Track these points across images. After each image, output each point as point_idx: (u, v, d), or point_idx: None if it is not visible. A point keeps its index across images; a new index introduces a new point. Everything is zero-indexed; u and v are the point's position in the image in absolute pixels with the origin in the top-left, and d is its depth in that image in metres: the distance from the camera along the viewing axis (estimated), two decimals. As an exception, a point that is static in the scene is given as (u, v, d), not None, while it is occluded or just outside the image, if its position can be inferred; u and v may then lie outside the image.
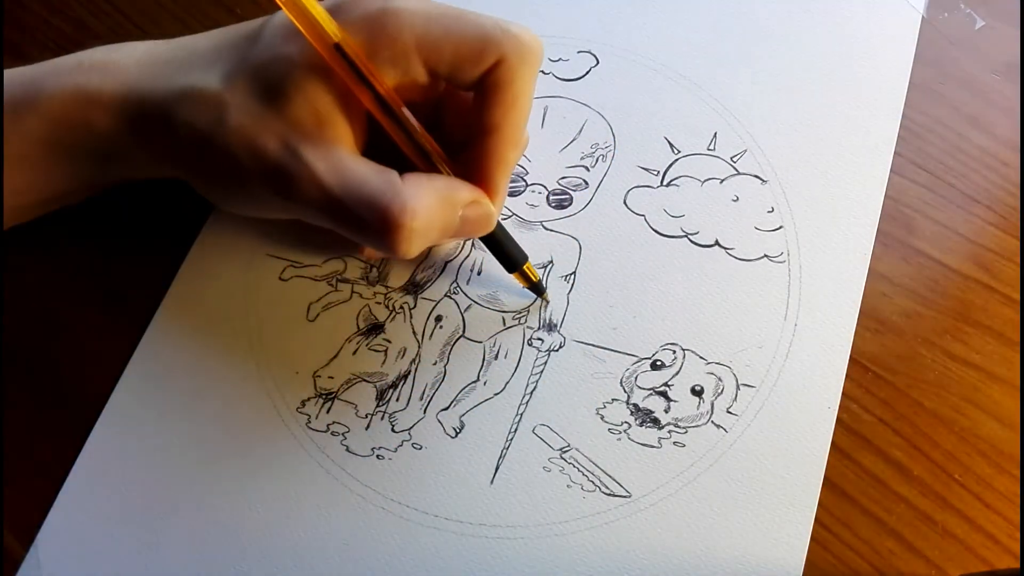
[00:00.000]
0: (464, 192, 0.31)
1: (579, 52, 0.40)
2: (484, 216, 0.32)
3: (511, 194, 0.38)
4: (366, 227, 0.29)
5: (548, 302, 0.35)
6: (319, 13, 0.28)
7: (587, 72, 0.40)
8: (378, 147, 0.32)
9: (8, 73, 0.32)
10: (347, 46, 0.28)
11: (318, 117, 0.29)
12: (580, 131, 0.39)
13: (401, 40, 0.29)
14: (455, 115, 0.33)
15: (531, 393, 0.34)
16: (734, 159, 0.38)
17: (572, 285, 0.36)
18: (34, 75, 0.32)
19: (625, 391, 0.34)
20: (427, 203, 0.29)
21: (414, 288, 0.36)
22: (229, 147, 0.30)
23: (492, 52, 0.29)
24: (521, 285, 0.35)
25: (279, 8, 0.28)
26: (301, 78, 0.29)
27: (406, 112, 0.30)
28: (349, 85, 0.29)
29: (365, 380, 0.35)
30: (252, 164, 0.30)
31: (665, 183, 0.38)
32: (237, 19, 0.38)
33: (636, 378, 0.34)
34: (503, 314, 0.36)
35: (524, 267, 0.34)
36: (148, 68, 0.32)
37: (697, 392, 0.34)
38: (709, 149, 0.38)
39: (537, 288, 0.35)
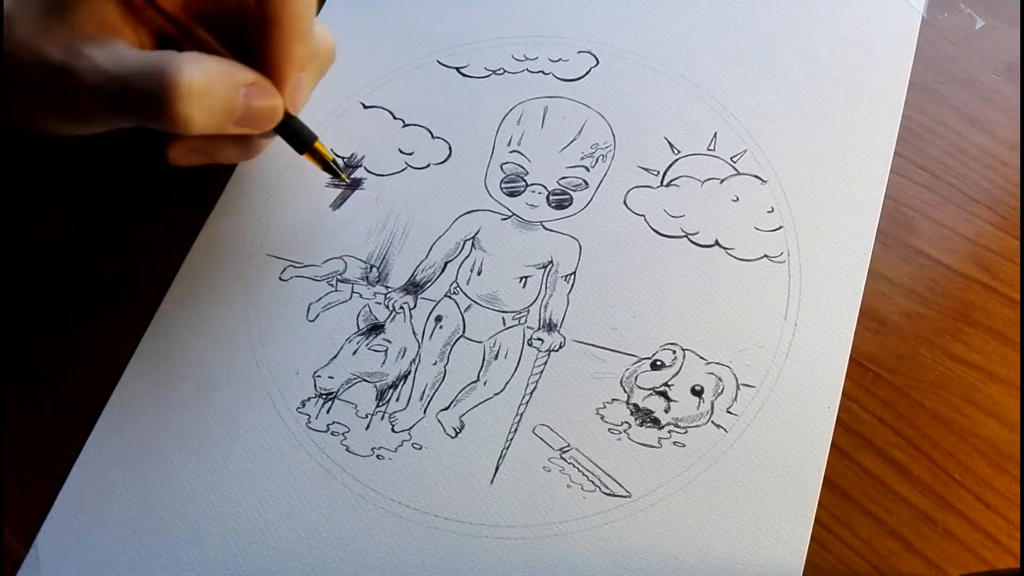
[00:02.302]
0: (244, 71, 0.31)
1: (579, 52, 0.41)
2: (269, 104, 0.32)
3: (511, 194, 0.38)
4: (146, 96, 0.29)
5: (347, 183, 0.37)
6: None
7: (587, 72, 0.40)
8: None
9: None
10: None
11: (102, 24, 0.30)
12: (580, 131, 0.39)
13: None
14: (252, 22, 0.34)
15: (531, 393, 0.34)
16: (734, 159, 0.38)
17: (572, 285, 0.36)
18: None
19: (625, 391, 0.34)
20: (203, 67, 0.29)
21: (414, 288, 0.36)
22: (19, 59, 0.30)
23: None
24: (316, 166, 0.35)
25: None
26: None
27: (186, 16, 0.31)
28: None
29: (365, 380, 0.35)
30: (38, 71, 0.30)
31: (665, 183, 0.38)
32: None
33: (636, 378, 0.34)
34: (503, 314, 0.36)
35: (315, 145, 0.34)
36: None
37: (697, 392, 0.34)
38: (709, 149, 0.38)
39: (331, 169, 0.35)
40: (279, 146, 0.39)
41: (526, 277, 0.36)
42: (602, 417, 0.34)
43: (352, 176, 0.38)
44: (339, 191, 0.38)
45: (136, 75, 0.29)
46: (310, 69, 0.34)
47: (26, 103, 0.32)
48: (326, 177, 0.39)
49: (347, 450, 0.34)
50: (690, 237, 0.37)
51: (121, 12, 0.31)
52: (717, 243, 0.36)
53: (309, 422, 0.34)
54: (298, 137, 0.34)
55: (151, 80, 0.29)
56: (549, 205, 0.38)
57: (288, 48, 0.32)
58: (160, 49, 0.32)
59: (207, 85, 0.29)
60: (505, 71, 0.40)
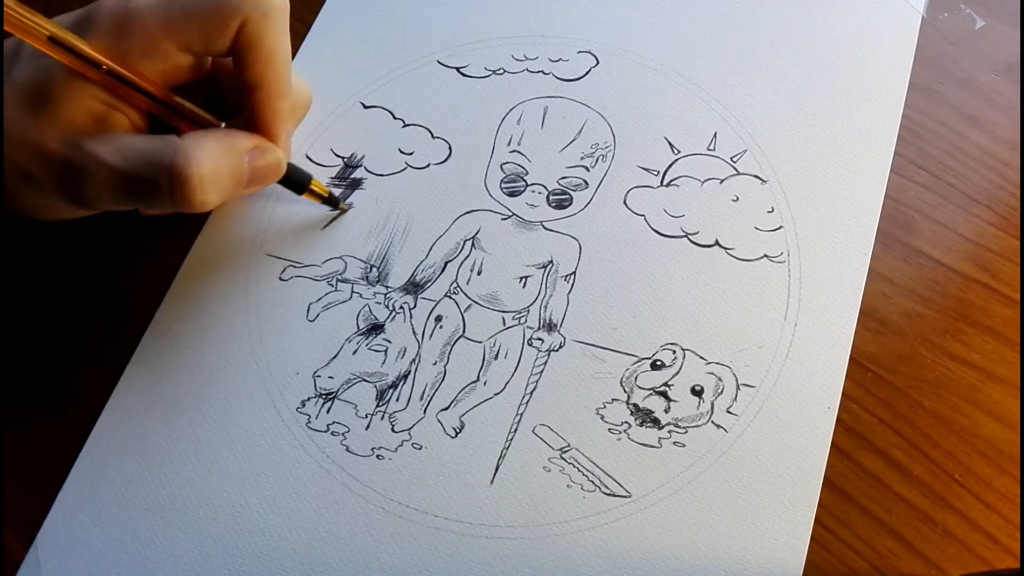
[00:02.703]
0: (244, 139, 0.32)
1: (579, 52, 0.41)
2: (272, 160, 0.33)
3: (511, 194, 0.38)
4: (157, 188, 0.30)
5: (346, 210, 0.38)
6: (32, 17, 0.29)
7: (587, 72, 0.40)
8: (166, 130, 0.33)
9: None
10: (79, 43, 0.29)
11: (91, 115, 0.30)
12: (580, 131, 0.39)
13: (147, 33, 0.30)
14: (230, 83, 0.34)
15: (531, 393, 0.34)
16: (734, 159, 0.38)
17: (572, 285, 0.36)
18: None
19: (625, 391, 0.34)
20: (208, 151, 0.30)
21: (414, 288, 0.36)
22: (17, 159, 0.30)
23: (233, 17, 0.30)
24: (316, 202, 0.37)
25: None
26: (64, 84, 0.30)
27: (164, 90, 0.32)
28: (104, 80, 0.30)
29: (365, 380, 0.35)
30: (42, 170, 0.30)
31: (665, 183, 0.38)
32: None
33: (636, 378, 0.34)
34: (503, 314, 0.36)
35: (311, 184, 0.36)
36: None
37: (697, 392, 0.34)
38: (709, 149, 0.38)
39: (331, 201, 0.37)
40: (279, 146, 0.39)
41: (526, 277, 0.36)
42: (602, 417, 0.34)
43: (352, 176, 0.38)
44: (333, 213, 0.38)
45: (144, 167, 0.30)
46: (291, 118, 0.35)
47: (24, 192, 0.32)
48: (326, 178, 0.39)
49: (347, 450, 0.34)
50: (690, 237, 0.37)
51: (107, 98, 0.31)
52: (717, 243, 0.36)
53: (309, 422, 0.34)
54: (296, 182, 0.36)
55: (159, 173, 0.29)
56: (549, 205, 0.38)
57: (275, 107, 0.33)
58: (151, 124, 0.33)
59: (216, 168, 0.30)
60: (505, 71, 0.40)
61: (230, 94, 0.34)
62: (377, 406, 0.34)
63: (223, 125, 0.33)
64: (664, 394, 0.34)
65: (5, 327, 0.37)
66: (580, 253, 0.37)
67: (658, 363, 0.34)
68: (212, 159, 0.30)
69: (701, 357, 0.34)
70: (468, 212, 0.38)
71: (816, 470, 0.32)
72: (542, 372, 0.34)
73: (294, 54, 0.41)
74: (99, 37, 0.30)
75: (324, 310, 0.36)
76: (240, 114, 0.33)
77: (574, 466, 0.33)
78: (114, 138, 0.31)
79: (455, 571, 0.32)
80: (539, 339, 0.35)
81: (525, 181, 0.38)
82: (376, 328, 0.36)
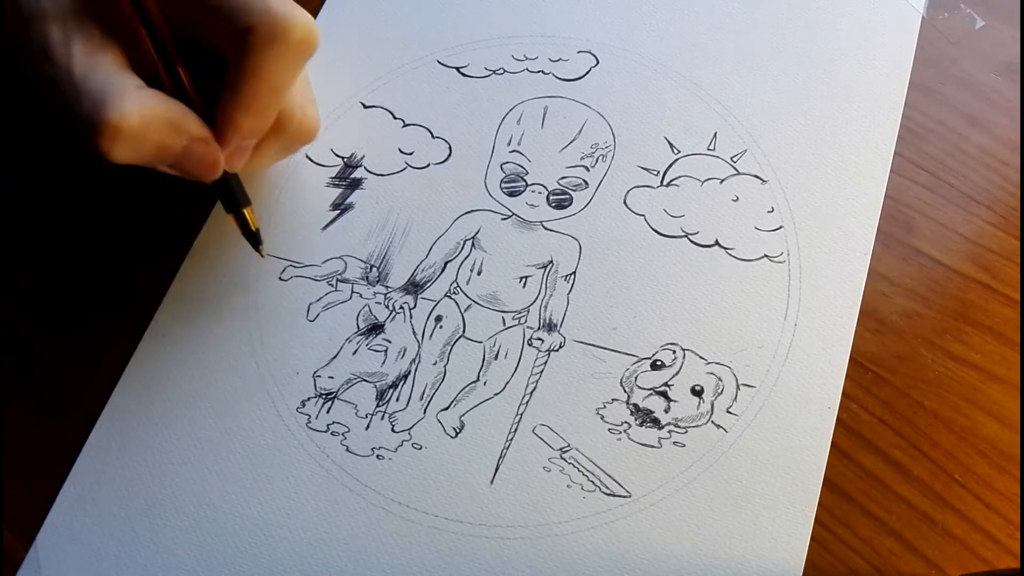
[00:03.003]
0: (194, 126, 0.31)
1: (579, 52, 0.40)
2: (208, 159, 0.32)
3: (511, 194, 0.38)
4: (82, 112, 0.29)
5: (263, 256, 0.36)
6: None
7: (587, 72, 0.40)
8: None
9: None
10: None
11: (115, 39, 0.30)
12: (580, 131, 0.39)
13: None
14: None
15: (531, 393, 0.34)
16: (734, 159, 0.38)
17: (572, 285, 0.36)
18: None
19: (625, 391, 0.34)
20: (144, 113, 0.29)
21: (414, 288, 0.36)
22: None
23: (243, 20, 0.30)
24: (237, 228, 0.35)
25: None
26: None
27: (172, 43, 0.31)
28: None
29: (365, 380, 0.35)
30: (33, 25, 0.30)
31: (665, 183, 0.38)
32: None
33: (636, 378, 0.34)
34: (503, 314, 0.36)
35: (245, 211, 0.34)
36: None
37: (697, 392, 0.34)
38: (709, 149, 0.38)
39: (253, 238, 0.35)
40: (279, 146, 0.39)
41: (526, 277, 0.36)
42: (602, 417, 0.34)
43: (352, 176, 0.38)
44: (334, 213, 0.38)
45: (85, 88, 0.29)
46: (272, 142, 0.34)
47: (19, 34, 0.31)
48: (326, 178, 0.39)
49: (347, 450, 0.34)
50: (690, 237, 0.37)
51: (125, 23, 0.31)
52: (717, 243, 0.36)
53: (309, 422, 0.34)
54: (231, 197, 0.34)
55: (89, 102, 0.29)
56: (549, 205, 0.38)
57: (235, 118, 0.31)
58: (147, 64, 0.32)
59: (140, 129, 0.30)
60: (505, 71, 0.40)
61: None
62: (377, 406, 0.34)
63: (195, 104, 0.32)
64: (664, 394, 0.34)
65: (5, 327, 0.37)
66: (580, 253, 0.37)
67: (658, 363, 0.34)
68: (142, 121, 0.29)
69: (701, 357, 0.34)
70: (468, 212, 0.38)
71: (816, 470, 0.32)
72: (542, 372, 0.34)
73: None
74: None
75: (324, 310, 0.36)
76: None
77: (574, 466, 0.33)
78: (98, 50, 0.30)
79: (455, 571, 0.32)
80: (539, 339, 0.35)
81: (525, 181, 0.38)
82: (376, 328, 0.36)
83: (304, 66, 0.32)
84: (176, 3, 0.30)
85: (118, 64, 0.31)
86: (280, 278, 0.37)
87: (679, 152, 0.38)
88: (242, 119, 0.32)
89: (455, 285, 0.36)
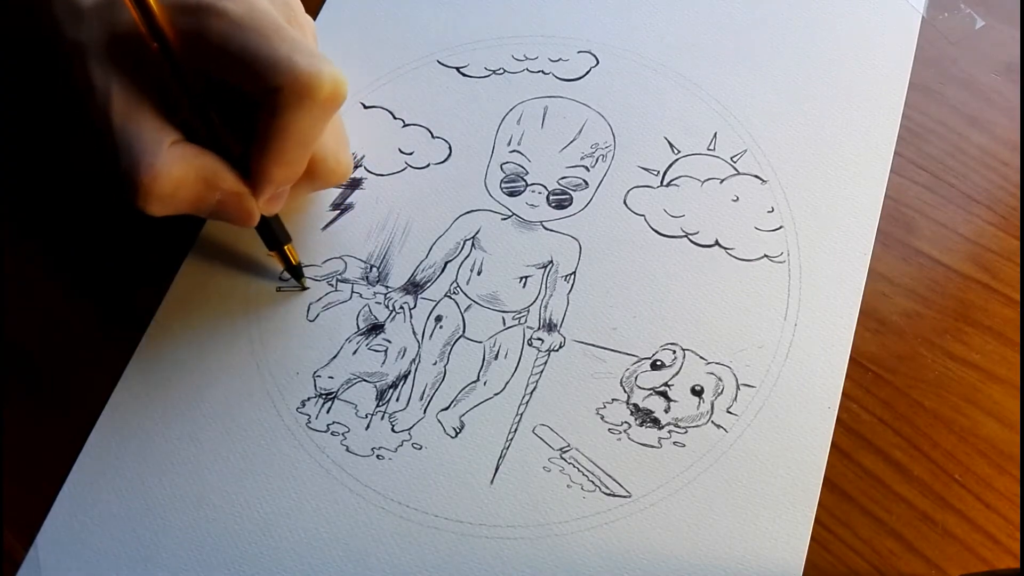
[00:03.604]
0: (227, 181, 0.32)
1: (579, 52, 0.40)
2: (244, 212, 0.33)
3: (511, 194, 0.38)
4: (119, 167, 0.30)
5: (307, 288, 0.36)
6: None
7: (587, 72, 0.40)
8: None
9: None
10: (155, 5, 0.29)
11: (151, 84, 0.31)
12: (580, 131, 0.39)
13: (208, 41, 0.30)
14: None
15: (531, 393, 0.34)
16: (734, 159, 0.38)
17: (572, 285, 0.36)
18: None
19: (625, 391, 0.34)
20: (177, 174, 0.30)
21: (414, 288, 0.36)
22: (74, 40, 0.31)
23: (271, 80, 0.30)
24: (280, 265, 0.36)
25: None
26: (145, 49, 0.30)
27: (201, 93, 0.31)
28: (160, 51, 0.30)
29: (365, 380, 0.35)
30: (77, 54, 0.31)
31: (665, 183, 0.38)
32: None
33: (636, 378, 0.34)
34: (503, 314, 0.36)
35: (285, 248, 0.35)
36: None
37: (697, 392, 0.34)
38: (709, 149, 0.38)
39: (295, 272, 0.36)
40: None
41: (526, 277, 0.36)
42: (602, 417, 0.34)
43: (352, 176, 0.38)
44: (334, 213, 0.38)
45: (121, 145, 0.30)
46: (305, 185, 0.35)
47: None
48: (326, 177, 0.39)
49: (347, 450, 0.34)
50: (690, 237, 0.37)
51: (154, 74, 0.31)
52: (717, 243, 0.36)
53: (309, 422, 0.34)
54: (271, 237, 0.35)
55: (125, 161, 0.30)
56: (549, 205, 0.38)
57: (266, 169, 0.32)
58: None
59: (172, 189, 0.30)
60: (505, 71, 0.40)
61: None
62: (377, 406, 0.34)
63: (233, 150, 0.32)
64: (664, 394, 0.34)
65: (6, 327, 0.37)
66: (580, 253, 0.37)
67: (658, 363, 0.34)
68: (173, 182, 0.30)
69: (701, 357, 0.34)
70: (468, 212, 0.38)
71: (816, 470, 0.32)
72: (542, 372, 0.34)
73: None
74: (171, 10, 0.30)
75: (324, 310, 0.36)
76: None
77: (574, 466, 0.33)
78: (135, 98, 0.31)
79: (455, 571, 0.32)
80: (539, 339, 0.35)
81: (525, 181, 0.38)
82: (376, 328, 0.36)
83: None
84: (204, 58, 0.30)
85: (153, 116, 0.31)
86: (280, 278, 0.37)
87: (679, 152, 0.38)
88: (274, 171, 0.32)
89: (455, 285, 0.36)
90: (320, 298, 0.36)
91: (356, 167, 0.39)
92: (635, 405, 0.34)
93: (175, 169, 0.30)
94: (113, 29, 0.31)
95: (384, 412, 0.34)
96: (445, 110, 0.40)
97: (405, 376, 0.35)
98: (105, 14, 0.31)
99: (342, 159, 0.35)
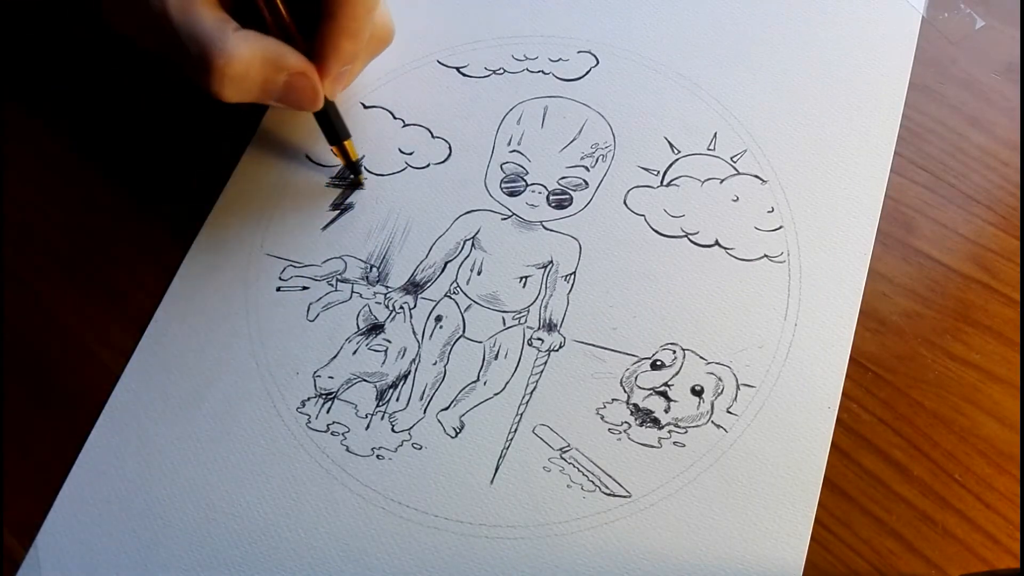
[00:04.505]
0: (292, 59, 0.33)
1: (579, 52, 0.40)
2: (309, 89, 0.34)
3: (511, 194, 0.38)
4: (188, 59, 0.32)
5: (362, 186, 0.38)
6: None
7: (587, 72, 0.40)
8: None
9: None
10: None
11: None
12: (580, 131, 0.39)
13: None
14: None
15: (531, 393, 0.34)
16: (734, 159, 0.38)
17: (572, 285, 0.36)
18: None
19: (625, 391, 0.34)
20: (247, 55, 0.32)
21: (414, 288, 0.36)
22: None
23: None
24: (339, 160, 0.38)
25: None
26: None
27: None
28: None
29: (365, 380, 0.35)
30: None
31: (665, 183, 0.38)
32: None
33: (636, 378, 0.34)
34: (503, 314, 0.36)
35: (345, 143, 0.37)
36: None
37: (697, 392, 0.34)
38: (709, 149, 0.38)
39: (354, 167, 0.38)
40: (279, 146, 0.39)
41: (526, 277, 0.36)
42: (602, 417, 0.34)
43: (352, 176, 0.38)
44: (334, 213, 0.38)
45: (187, 35, 0.31)
46: (362, 57, 0.36)
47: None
48: (326, 178, 0.39)
49: (347, 450, 0.34)
50: (690, 237, 0.37)
51: None
52: (717, 243, 0.36)
53: (309, 422, 0.34)
54: (332, 129, 0.37)
55: (195, 48, 0.31)
56: (549, 205, 0.38)
57: (337, 44, 0.33)
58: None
59: (244, 70, 0.32)
60: (505, 71, 0.40)
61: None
62: (377, 406, 0.34)
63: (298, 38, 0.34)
64: (664, 394, 0.34)
65: (5, 327, 0.37)
66: (580, 253, 0.37)
67: (658, 363, 0.34)
68: (245, 63, 0.31)
69: (701, 357, 0.34)
70: (468, 212, 0.38)
71: (816, 470, 0.32)
72: (542, 372, 0.34)
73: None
74: None
75: (324, 310, 0.36)
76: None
77: (574, 466, 0.33)
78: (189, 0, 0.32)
79: (455, 571, 0.32)
80: (539, 339, 0.35)
81: (525, 181, 0.38)
82: (376, 328, 0.36)
83: None
84: None
85: (210, 6, 0.32)
86: (280, 278, 0.37)
87: (679, 152, 0.38)
88: (344, 44, 0.33)
89: (455, 285, 0.36)
90: (320, 298, 0.36)
91: (356, 167, 0.39)
92: (635, 405, 0.34)
93: (244, 50, 0.31)
94: None
95: (384, 412, 0.34)
96: (445, 110, 0.40)
97: (405, 376, 0.35)
98: None
99: (389, 20, 0.37)
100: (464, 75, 0.40)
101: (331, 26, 0.33)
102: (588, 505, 0.32)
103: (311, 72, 0.34)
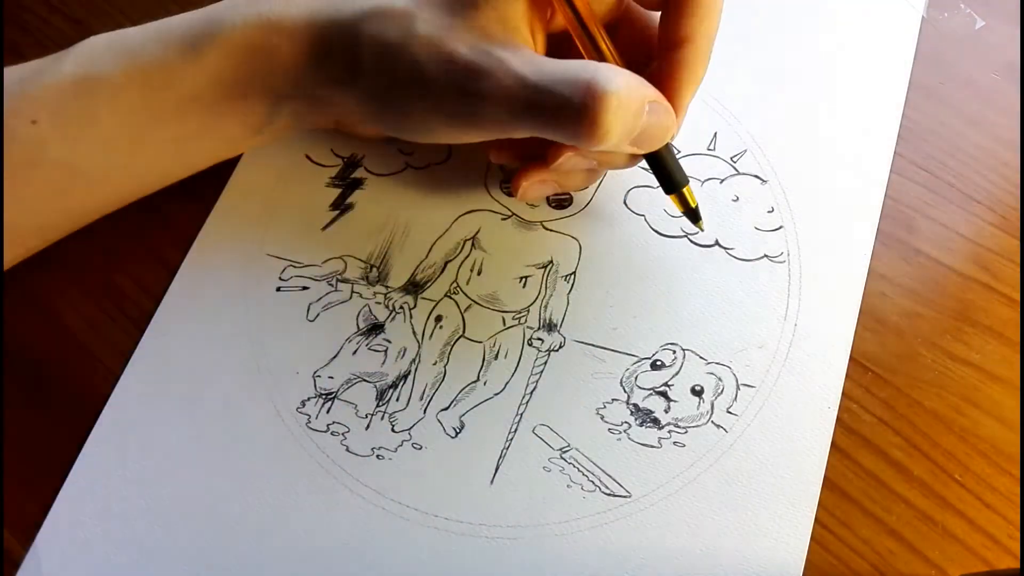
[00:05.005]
0: (649, 89, 0.30)
1: (579, 52, 0.40)
2: (667, 123, 0.31)
3: (510, 194, 0.38)
4: (567, 105, 0.28)
5: (703, 231, 0.36)
6: None
7: (587, 72, 0.40)
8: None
9: (180, 17, 0.32)
10: None
11: (506, 26, 0.29)
12: (580, 131, 0.39)
13: None
14: (629, 36, 0.33)
15: (531, 393, 0.34)
16: (734, 159, 0.38)
17: (572, 285, 0.36)
18: (210, 12, 0.32)
19: (625, 391, 0.34)
20: (624, 81, 0.28)
21: (414, 288, 0.36)
22: (417, 56, 0.29)
23: None
24: (677, 209, 0.35)
25: None
26: None
27: (599, 27, 0.30)
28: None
29: (365, 380, 0.35)
30: (441, 69, 0.29)
31: (665, 183, 0.37)
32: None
33: (636, 378, 0.34)
34: (503, 314, 0.36)
35: (684, 190, 0.34)
36: None
37: (697, 392, 0.34)
38: (709, 149, 0.38)
39: (693, 215, 0.34)
40: (279, 146, 0.39)
41: (526, 277, 0.36)
42: (602, 417, 0.34)
43: (352, 176, 0.38)
44: (334, 213, 0.38)
45: (558, 83, 0.28)
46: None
47: (414, 105, 0.31)
48: (326, 177, 0.39)
49: (347, 450, 0.34)
50: (690, 237, 0.37)
51: (525, 12, 0.30)
52: (717, 243, 0.36)
53: (309, 422, 0.34)
54: (670, 175, 0.33)
55: (576, 90, 0.28)
56: (549, 205, 0.38)
57: (695, 70, 0.31)
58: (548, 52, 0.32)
59: (627, 99, 0.28)
60: (505, 71, 0.40)
61: (623, 48, 0.32)
62: (377, 406, 0.34)
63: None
64: (664, 394, 0.34)
65: (5, 327, 0.37)
66: (580, 253, 0.37)
67: (658, 363, 0.34)
68: (627, 89, 0.28)
69: (701, 357, 0.34)
70: (468, 212, 0.38)
71: (816, 470, 0.32)
72: (542, 372, 0.34)
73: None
74: None
75: (324, 310, 0.36)
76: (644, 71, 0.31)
77: (574, 466, 0.33)
78: (524, 52, 0.29)
79: (455, 571, 0.32)
80: (539, 339, 0.35)
81: (525, 181, 0.38)
82: (376, 328, 0.36)
83: None
84: None
85: (542, 50, 0.30)
86: (280, 278, 0.37)
87: (679, 152, 0.38)
88: (700, 69, 0.31)
89: (455, 285, 0.36)
90: (320, 298, 0.36)
91: (356, 167, 0.39)
92: (635, 405, 0.34)
93: (619, 77, 0.28)
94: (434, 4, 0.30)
95: (384, 412, 0.34)
96: (445, 110, 0.40)
97: (405, 376, 0.35)
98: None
99: None
100: (464, 75, 0.40)
101: (686, 52, 0.30)
102: (588, 505, 0.32)
103: (664, 100, 0.30)
